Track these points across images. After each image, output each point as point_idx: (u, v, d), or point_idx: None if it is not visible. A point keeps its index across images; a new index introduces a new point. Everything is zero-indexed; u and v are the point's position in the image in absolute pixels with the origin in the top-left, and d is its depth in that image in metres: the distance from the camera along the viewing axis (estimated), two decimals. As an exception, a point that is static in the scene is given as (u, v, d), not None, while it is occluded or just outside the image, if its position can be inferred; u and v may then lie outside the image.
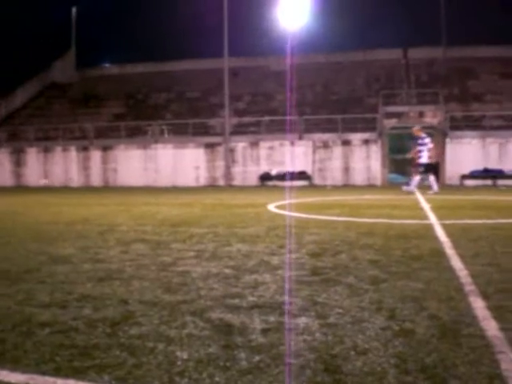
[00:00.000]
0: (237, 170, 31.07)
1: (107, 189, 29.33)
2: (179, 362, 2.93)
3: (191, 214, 11.77)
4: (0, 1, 54.24)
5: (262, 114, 33.16)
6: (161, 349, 3.15)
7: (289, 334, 3.37)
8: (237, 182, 30.89)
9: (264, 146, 30.86)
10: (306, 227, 8.76)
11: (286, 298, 4.21)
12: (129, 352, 3.10)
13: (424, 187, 19.59)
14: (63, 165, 33.82)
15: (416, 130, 19.88)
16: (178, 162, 31.76)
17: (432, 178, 19.08)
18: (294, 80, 33.77)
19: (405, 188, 19.53)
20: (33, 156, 34.37)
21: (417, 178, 19.19)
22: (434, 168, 19.75)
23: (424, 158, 18.94)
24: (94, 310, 3.98)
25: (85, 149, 33.53)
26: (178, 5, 52.28)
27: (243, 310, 3.90)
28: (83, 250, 6.75)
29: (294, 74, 32.19)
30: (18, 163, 34.64)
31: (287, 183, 28.11)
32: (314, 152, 30.28)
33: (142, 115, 35.60)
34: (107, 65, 49.41)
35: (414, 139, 19.66)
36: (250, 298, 4.22)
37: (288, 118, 30.40)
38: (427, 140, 19.17)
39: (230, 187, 29.04)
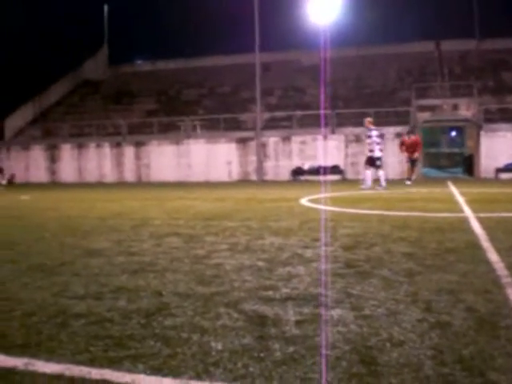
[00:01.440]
0: (269, 164, 31.03)
1: (140, 184, 29.56)
2: (214, 353, 2.93)
3: (224, 208, 11.79)
4: (33, 1, 54.98)
5: (294, 108, 33.06)
6: (195, 339, 3.15)
7: (323, 326, 3.34)
8: (269, 176, 30.86)
9: (296, 140, 30.77)
10: (339, 221, 8.71)
11: (320, 290, 4.19)
12: (163, 342, 3.11)
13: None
14: (97, 161, 34.16)
15: (367, 121, 19.46)
16: (210, 157, 31.85)
17: (380, 173, 18.71)
18: (326, 74, 33.59)
19: (377, 187, 18.87)
20: (67, 152, 34.77)
21: (368, 173, 18.95)
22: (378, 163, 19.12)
23: (376, 152, 18.63)
24: (128, 301, 4.01)
25: (118, 145, 33.83)
26: (208, 0, 52.40)
27: (277, 302, 3.88)
28: (117, 243, 6.81)
29: (325, 68, 32.03)
30: (53, 159, 35.07)
31: (320, 177, 28.01)
32: (346, 146, 30.10)
33: (175, 111, 35.78)
34: (139, 61, 49.76)
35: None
36: (284, 290, 4.21)
37: (320, 112, 30.29)
38: (373, 133, 18.79)
39: (262, 182, 29.03)
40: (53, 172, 35.05)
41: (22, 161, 35.58)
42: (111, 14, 47.60)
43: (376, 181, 18.86)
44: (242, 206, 12.55)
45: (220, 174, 31.41)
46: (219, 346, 3.02)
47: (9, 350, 3.05)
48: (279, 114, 33.35)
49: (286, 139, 30.94)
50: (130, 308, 3.83)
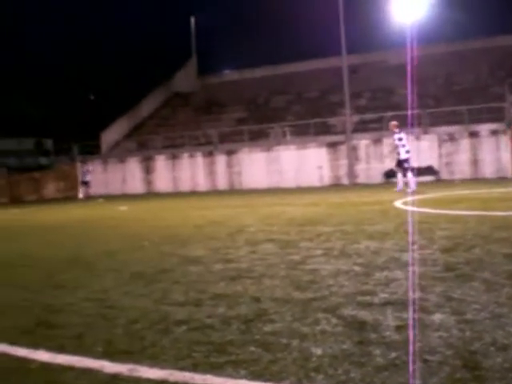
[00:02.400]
0: (360, 167, 30.70)
1: (233, 192, 29.94)
2: (314, 358, 2.95)
3: (317, 213, 11.77)
4: (122, 17, 56.84)
5: (384, 109, 32.59)
6: (295, 345, 3.17)
7: (424, 331, 3.30)
8: (361, 179, 30.51)
9: (387, 142, 30.28)
10: (436, 222, 8.52)
11: (420, 295, 4.12)
12: (264, 348, 3.15)
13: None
14: (190, 170, 34.84)
15: (392, 124, 18.84)
16: (300, 163, 31.83)
17: (409, 176, 17.91)
18: (415, 73, 32.90)
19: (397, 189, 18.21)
20: (161, 163, 35.67)
21: (399, 176, 18.36)
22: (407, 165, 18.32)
23: (402, 154, 17.96)
24: (227, 307, 4.08)
25: (210, 154, 34.39)
26: (292, 7, 52.48)
27: (376, 307, 3.86)
28: (214, 250, 6.94)
29: (414, 67, 31.38)
30: (148, 171, 36.07)
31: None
32: (439, 146, 29.37)
33: (264, 118, 36.03)
34: (227, 71, 50.43)
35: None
36: (382, 295, 4.17)
37: (411, 112, 29.72)
38: (399, 136, 18.11)
39: (354, 185, 28.78)
40: (148, 183, 36.04)
41: (118, 173, 36.79)
42: (198, 26, 48.49)
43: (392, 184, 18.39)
44: (335, 210, 12.49)
45: (311, 178, 31.33)
46: (319, 352, 3.03)
47: (114, 356, 3.18)
48: (369, 116, 32.98)
49: (378, 141, 30.52)
50: (229, 314, 3.90)
